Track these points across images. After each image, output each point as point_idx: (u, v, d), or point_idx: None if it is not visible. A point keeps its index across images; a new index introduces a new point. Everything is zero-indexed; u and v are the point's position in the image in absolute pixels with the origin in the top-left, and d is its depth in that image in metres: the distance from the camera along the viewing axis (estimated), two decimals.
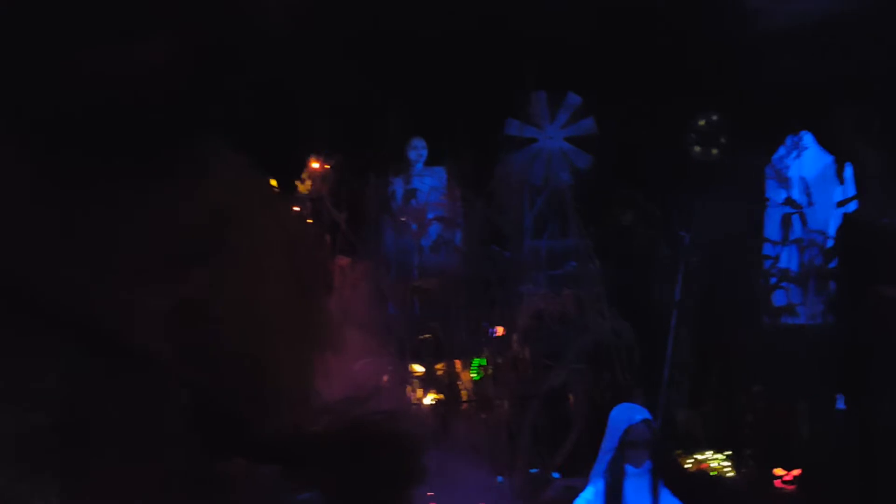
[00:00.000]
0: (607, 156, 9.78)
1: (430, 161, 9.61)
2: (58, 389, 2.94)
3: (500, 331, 8.22)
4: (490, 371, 7.66)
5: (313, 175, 8.18)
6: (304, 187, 8.21)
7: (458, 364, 7.69)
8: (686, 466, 8.11)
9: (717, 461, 8.21)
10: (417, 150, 9.48)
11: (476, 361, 8.08)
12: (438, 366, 7.63)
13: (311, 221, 7.16)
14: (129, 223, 3.21)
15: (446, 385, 7.49)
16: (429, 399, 7.48)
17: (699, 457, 8.39)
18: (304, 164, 8.22)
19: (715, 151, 9.72)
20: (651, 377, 8.35)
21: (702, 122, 9.91)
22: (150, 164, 3.48)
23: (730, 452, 8.33)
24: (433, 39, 9.17)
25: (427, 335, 7.66)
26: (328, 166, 8.38)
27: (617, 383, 7.52)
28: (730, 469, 8.22)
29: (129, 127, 3.41)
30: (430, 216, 9.10)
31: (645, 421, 4.94)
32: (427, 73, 9.22)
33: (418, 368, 7.57)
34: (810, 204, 9.38)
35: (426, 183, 9.37)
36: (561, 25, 9.08)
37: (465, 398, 7.55)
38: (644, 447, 4.86)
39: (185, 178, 3.43)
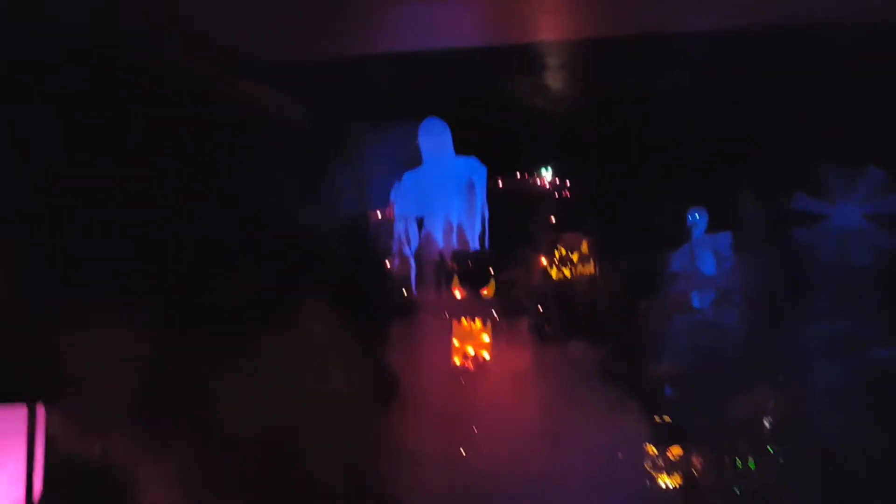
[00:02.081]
0: None
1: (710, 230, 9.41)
2: None
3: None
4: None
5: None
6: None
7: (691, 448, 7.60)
8: None
9: None
10: (695, 219, 9.33)
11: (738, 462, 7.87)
12: (674, 450, 7.58)
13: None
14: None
15: (680, 471, 7.43)
16: (664, 483, 7.47)
17: None
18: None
19: None
20: None
21: None
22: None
23: None
24: (716, 106, 9.11)
25: (665, 418, 7.64)
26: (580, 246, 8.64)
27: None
28: None
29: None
30: (695, 298, 8.94)
31: None
32: (712, 140, 9.16)
33: (653, 450, 7.59)
34: None
35: (704, 254, 9.21)
36: (857, 95, 8.60)
37: (692, 486, 7.43)
38: None
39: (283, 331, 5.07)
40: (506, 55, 8.13)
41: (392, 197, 7.89)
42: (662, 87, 9.04)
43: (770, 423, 8.21)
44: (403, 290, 7.08)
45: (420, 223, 7.71)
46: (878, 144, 8.83)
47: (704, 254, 9.34)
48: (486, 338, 7.16)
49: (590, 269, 8.97)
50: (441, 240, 7.71)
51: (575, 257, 8.91)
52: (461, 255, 7.41)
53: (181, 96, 5.59)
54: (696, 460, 7.50)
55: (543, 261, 8.47)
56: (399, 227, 7.65)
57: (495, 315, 7.24)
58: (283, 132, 6.31)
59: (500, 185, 8.51)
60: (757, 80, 8.98)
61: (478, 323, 7.17)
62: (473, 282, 7.16)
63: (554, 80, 8.67)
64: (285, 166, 6.30)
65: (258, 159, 5.92)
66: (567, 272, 8.83)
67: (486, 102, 8.47)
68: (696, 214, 9.36)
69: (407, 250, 7.56)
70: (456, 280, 7.21)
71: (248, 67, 6.61)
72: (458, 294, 7.21)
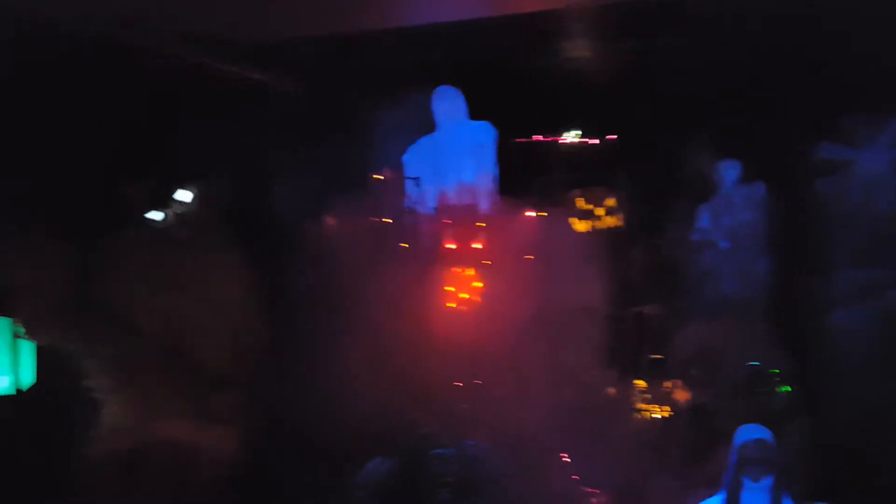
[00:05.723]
0: None
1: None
2: None
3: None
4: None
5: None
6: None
7: (679, 383, 8.17)
8: None
9: None
10: (727, 171, 9.64)
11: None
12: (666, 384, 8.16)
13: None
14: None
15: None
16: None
17: None
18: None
19: None
20: None
21: None
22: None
23: None
24: (741, 60, 9.36)
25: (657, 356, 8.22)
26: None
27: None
28: None
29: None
30: (725, 245, 9.30)
31: (758, 440, 5.20)
32: (736, 94, 9.44)
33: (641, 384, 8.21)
34: None
35: (734, 204, 9.54)
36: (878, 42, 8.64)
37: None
38: (758, 464, 5.16)
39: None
40: (519, 23, 8.77)
41: (405, 160, 8.74)
42: (679, 43, 9.37)
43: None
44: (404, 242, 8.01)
45: (431, 184, 8.55)
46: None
47: (733, 205, 9.64)
48: (477, 284, 7.96)
49: (615, 221, 9.54)
50: (451, 199, 8.51)
51: (599, 211, 9.50)
52: (456, 210, 8.21)
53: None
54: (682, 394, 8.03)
55: (564, 214, 9.12)
56: (410, 187, 8.52)
57: (489, 263, 8.03)
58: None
59: (519, 147, 9.20)
60: (776, 29, 9.15)
61: (471, 271, 7.98)
62: (466, 234, 7.97)
63: (569, 44, 9.22)
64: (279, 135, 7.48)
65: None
66: (590, 224, 9.44)
67: (504, 70, 9.15)
68: (726, 166, 9.67)
69: (417, 208, 8.44)
70: (451, 233, 8.03)
71: (252, 46, 7.74)
72: (452, 246, 8.05)
